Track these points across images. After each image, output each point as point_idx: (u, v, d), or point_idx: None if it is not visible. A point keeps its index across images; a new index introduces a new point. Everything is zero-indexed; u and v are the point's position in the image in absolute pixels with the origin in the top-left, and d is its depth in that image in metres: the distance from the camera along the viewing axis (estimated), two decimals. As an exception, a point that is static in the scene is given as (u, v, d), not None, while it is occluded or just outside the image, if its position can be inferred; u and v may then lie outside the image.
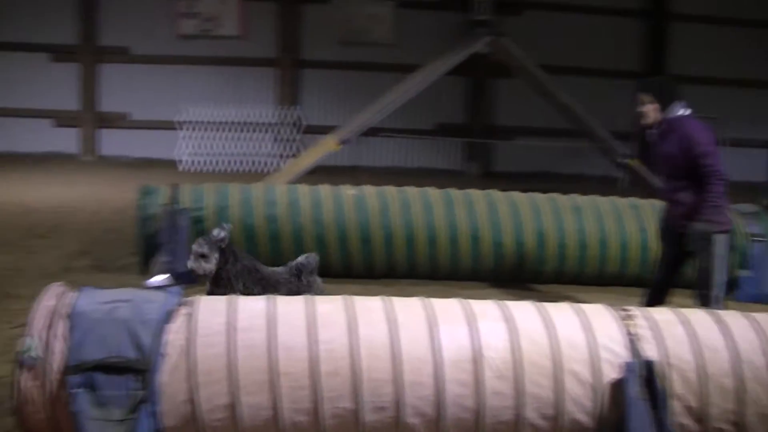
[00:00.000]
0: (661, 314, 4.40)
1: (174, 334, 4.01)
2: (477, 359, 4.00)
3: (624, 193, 9.99)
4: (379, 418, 3.96)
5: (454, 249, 7.87)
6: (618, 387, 4.01)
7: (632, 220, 8.26)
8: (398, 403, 3.94)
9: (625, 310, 4.37)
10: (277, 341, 3.98)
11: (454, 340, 4.05)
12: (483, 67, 17.17)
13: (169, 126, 17.24)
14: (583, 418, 4.04)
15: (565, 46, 17.75)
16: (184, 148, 17.09)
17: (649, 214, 8.25)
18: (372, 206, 7.89)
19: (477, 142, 17.04)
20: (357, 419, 3.95)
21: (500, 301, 4.41)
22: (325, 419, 3.93)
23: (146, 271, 7.53)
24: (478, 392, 3.96)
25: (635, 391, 3.95)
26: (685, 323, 4.28)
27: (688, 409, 4.08)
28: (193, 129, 17.14)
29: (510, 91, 17.74)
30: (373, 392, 3.93)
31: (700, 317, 4.38)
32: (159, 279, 7.12)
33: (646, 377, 3.98)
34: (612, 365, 4.06)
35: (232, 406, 3.89)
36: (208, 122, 17.23)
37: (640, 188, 13.41)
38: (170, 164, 17.03)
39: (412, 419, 3.96)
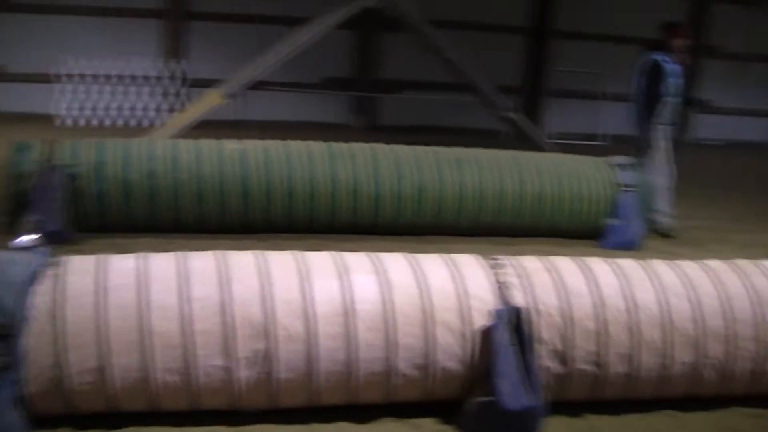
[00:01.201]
0: (530, 262, 4.51)
1: (40, 296, 3.88)
2: (348, 312, 4.03)
3: (506, 146, 10.09)
4: (253, 374, 3.95)
5: (334, 202, 7.86)
6: (487, 334, 4.11)
7: (511, 172, 8.36)
8: (270, 359, 3.94)
9: (494, 259, 4.46)
10: (148, 300, 3.90)
11: (326, 293, 4.06)
12: (371, 20, 17.17)
13: (46, 79, 16.69)
14: (454, 365, 4.14)
15: (456, 1, 17.74)
16: (62, 103, 16.56)
17: (530, 166, 8.40)
18: (254, 160, 7.81)
19: (363, 95, 17.04)
20: (230, 377, 3.93)
21: (372, 254, 4.43)
22: (198, 378, 3.90)
23: (14, 231, 7.25)
24: (349, 345, 4.00)
25: (504, 337, 4.04)
26: (552, 270, 4.41)
27: (554, 353, 4.23)
28: (73, 82, 16.61)
29: (397, 45, 17.80)
30: (246, 348, 3.92)
31: (566, 264, 4.52)
32: (27, 239, 6.87)
33: (515, 324, 4.08)
34: (481, 313, 4.15)
35: (102, 369, 3.81)
36: (89, 75, 16.74)
37: (522, 141, 13.61)
38: (47, 119, 16.49)
39: (285, 374, 3.97)
